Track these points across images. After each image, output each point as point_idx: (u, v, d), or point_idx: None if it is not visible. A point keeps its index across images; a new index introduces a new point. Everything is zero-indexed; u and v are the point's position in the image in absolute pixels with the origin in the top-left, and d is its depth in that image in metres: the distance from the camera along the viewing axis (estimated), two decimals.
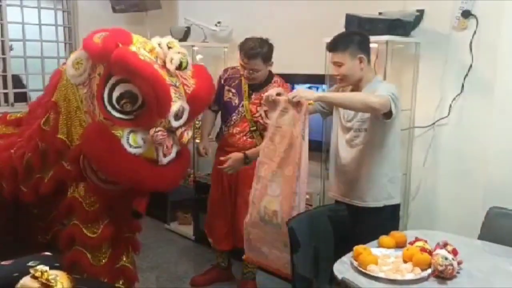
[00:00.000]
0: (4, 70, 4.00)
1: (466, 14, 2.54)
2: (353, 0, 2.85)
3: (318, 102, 2.38)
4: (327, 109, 2.48)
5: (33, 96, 3.82)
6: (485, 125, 2.52)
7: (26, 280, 1.64)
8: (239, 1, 3.76)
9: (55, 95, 2.24)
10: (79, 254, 2.27)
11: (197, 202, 3.76)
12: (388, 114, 2.18)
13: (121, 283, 2.41)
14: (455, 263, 1.73)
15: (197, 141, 3.44)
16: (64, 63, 2.31)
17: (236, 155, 2.74)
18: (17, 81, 4.14)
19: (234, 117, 2.88)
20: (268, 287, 3.09)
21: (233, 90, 2.90)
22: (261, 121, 2.78)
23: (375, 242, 2.00)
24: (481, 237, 2.16)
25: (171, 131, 2.15)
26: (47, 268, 1.64)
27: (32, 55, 4.14)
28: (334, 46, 2.30)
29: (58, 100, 2.23)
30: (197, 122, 3.50)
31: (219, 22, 3.85)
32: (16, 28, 4.02)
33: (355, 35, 2.32)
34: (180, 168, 2.32)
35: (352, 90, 2.37)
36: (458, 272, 1.75)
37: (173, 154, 2.20)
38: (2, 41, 3.97)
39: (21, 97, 4.08)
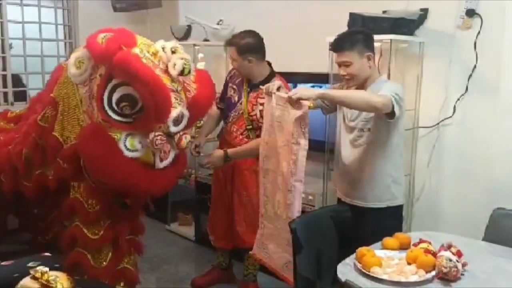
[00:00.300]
0: (4, 69, 3.98)
1: (471, 13, 2.52)
2: None
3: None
4: (330, 105, 2.45)
5: (33, 95, 3.80)
6: (489, 125, 2.51)
7: (26, 280, 1.63)
8: None
9: (54, 91, 2.23)
10: (81, 255, 2.27)
11: (198, 202, 3.73)
12: (391, 114, 2.15)
13: (121, 285, 2.40)
14: (459, 265, 1.71)
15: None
16: (67, 60, 2.30)
17: (217, 152, 2.77)
18: (17, 80, 4.13)
19: (232, 114, 2.87)
20: None
21: (235, 87, 2.89)
22: (255, 120, 2.77)
23: (378, 244, 1.98)
24: (485, 238, 2.14)
25: (169, 135, 2.14)
26: (47, 269, 1.64)
27: (32, 54, 4.12)
28: (340, 45, 2.26)
29: (57, 97, 2.22)
30: (197, 122, 3.47)
31: (221, 21, 3.83)
32: (16, 26, 4.01)
33: (359, 34, 2.29)
34: (175, 173, 2.32)
35: (357, 89, 2.34)
36: (462, 274, 1.73)
37: (170, 159, 2.19)
38: (2, 40, 3.95)
39: (21, 96, 4.06)
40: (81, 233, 2.24)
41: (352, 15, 2.63)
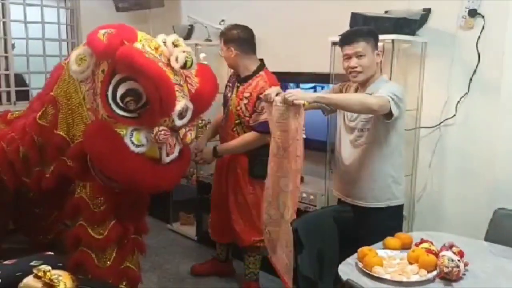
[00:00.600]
0: (7, 68, 3.99)
1: (473, 13, 2.52)
2: None
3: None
4: (329, 107, 2.45)
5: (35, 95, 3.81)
6: (491, 125, 2.50)
7: (29, 279, 1.64)
8: None
9: (54, 90, 2.22)
10: (85, 255, 2.26)
11: (200, 202, 3.73)
12: (389, 115, 2.15)
13: (124, 284, 2.39)
14: (461, 265, 1.71)
15: None
16: (67, 58, 2.30)
17: (206, 148, 2.82)
18: (20, 80, 4.14)
19: (226, 110, 2.90)
20: None
21: (230, 85, 2.93)
22: (241, 114, 2.77)
23: (380, 244, 1.98)
24: (487, 238, 2.14)
25: (174, 130, 2.13)
26: (50, 267, 1.64)
27: (34, 53, 4.13)
28: (355, 37, 2.23)
29: (58, 95, 2.21)
30: (200, 121, 3.47)
31: (223, 20, 3.82)
32: (18, 26, 4.01)
33: (372, 31, 2.29)
34: (180, 168, 2.31)
35: (357, 89, 2.35)
36: (463, 274, 1.73)
37: (175, 153, 2.19)
38: (5, 40, 3.96)
39: (24, 96, 4.06)
40: (85, 233, 2.24)
41: (354, 15, 2.63)
